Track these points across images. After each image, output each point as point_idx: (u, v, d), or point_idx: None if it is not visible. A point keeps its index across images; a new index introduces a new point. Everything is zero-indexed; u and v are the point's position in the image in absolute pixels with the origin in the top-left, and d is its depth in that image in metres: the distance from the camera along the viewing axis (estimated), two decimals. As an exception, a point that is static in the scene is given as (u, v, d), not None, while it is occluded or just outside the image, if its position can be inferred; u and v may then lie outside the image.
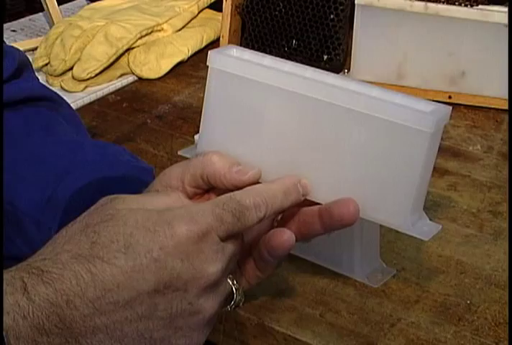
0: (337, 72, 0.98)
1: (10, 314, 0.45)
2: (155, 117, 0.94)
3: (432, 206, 0.79)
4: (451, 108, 0.56)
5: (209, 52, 0.58)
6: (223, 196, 0.52)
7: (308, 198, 0.58)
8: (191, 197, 0.58)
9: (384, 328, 0.65)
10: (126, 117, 0.94)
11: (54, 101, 0.75)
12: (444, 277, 0.70)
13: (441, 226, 0.59)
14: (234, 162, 0.58)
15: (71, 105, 0.93)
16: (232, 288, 0.54)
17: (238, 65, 0.57)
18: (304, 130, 0.57)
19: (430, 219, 0.60)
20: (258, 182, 0.59)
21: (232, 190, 0.59)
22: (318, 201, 0.58)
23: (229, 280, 0.53)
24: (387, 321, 0.66)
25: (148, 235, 0.48)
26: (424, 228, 0.58)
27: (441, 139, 0.87)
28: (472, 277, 0.70)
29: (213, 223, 0.50)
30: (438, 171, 0.84)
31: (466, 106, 0.95)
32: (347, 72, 0.97)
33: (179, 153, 0.64)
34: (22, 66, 0.74)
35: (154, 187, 0.59)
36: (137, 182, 0.63)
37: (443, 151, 0.88)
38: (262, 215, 0.53)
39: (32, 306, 0.46)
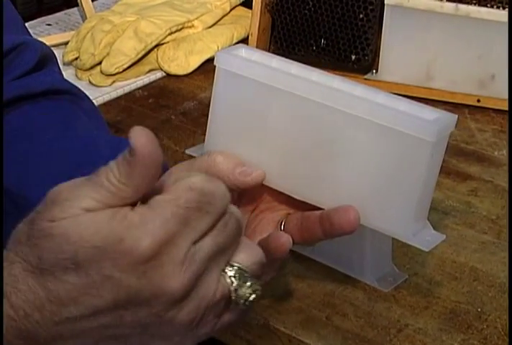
0: (365, 73, 0.97)
1: None
2: (180, 113, 0.94)
3: (451, 211, 0.78)
4: (456, 116, 0.54)
5: (216, 52, 0.58)
6: (180, 187, 0.45)
7: (311, 202, 0.58)
8: None
9: (390, 334, 0.64)
10: (151, 113, 0.94)
11: (75, 95, 0.75)
12: (456, 284, 0.69)
13: (444, 236, 0.58)
14: (239, 163, 0.58)
15: (98, 99, 0.95)
16: (232, 287, 0.47)
17: (244, 66, 0.57)
18: (307, 134, 0.56)
19: (434, 228, 0.59)
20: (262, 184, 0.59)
21: (235, 191, 0.59)
22: (320, 206, 0.57)
23: (226, 277, 0.47)
24: (395, 326, 0.65)
25: (97, 252, 0.43)
26: (427, 238, 0.57)
27: (466, 143, 0.88)
28: (486, 285, 0.69)
29: (176, 227, 0.44)
30: (460, 176, 0.83)
31: (494, 110, 0.94)
32: (375, 72, 0.96)
33: (186, 152, 0.64)
34: (45, 59, 0.75)
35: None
36: (150, 179, 0.63)
37: (467, 155, 0.86)
38: (230, 198, 0.47)
39: None
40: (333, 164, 0.57)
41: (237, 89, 0.58)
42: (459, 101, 0.94)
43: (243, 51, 0.59)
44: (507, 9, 0.88)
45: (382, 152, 0.55)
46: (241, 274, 0.47)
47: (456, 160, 0.85)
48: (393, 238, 0.68)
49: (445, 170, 0.84)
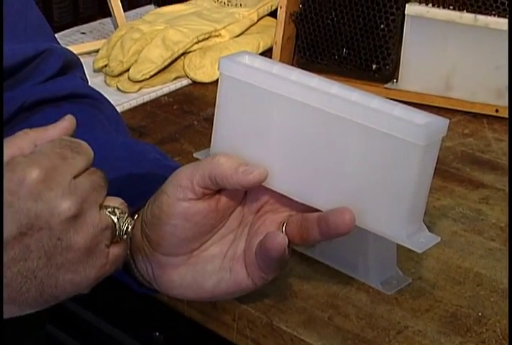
0: (386, 82, 0.98)
1: None
2: (203, 119, 0.97)
3: (460, 218, 0.79)
4: (448, 121, 0.56)
5: (220, 58, 0.60)
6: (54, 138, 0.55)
7: (309, 204, 0.60)
8: (200, 197, 0.60)
9: (390, 335, 0.66)
10: (174, 118, 0.97)
11: (96, 99, 0.78)
12: (459, 289, 0.70)
13: (439, 238, 0.59)
14: (241, 163, 0.60)
15: (125, 105, 0.98)
16: (113, 219, 0.54)
17: (246, 72, 0.59)
18: (306, 138, 0.58)
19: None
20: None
21: (239, 190, 0.62)
22: (318, 208, 0.59)
23: (105, 212, 0.54)
24: (394, 328, 0.66)
25: None
26: (421, 240, 0.58)
27: (482, 152, 0.89)
28: (488, 290, 0.70)
29: (57, 161, 0.52)
30: (473, 184, 0.84)
31: (513, 120, 0.95)
32: (396, 82, 0.97)
33: (194, 155, 0.66)
34: (69, 65, 0.78)
35: (166, 186, 0.61)
36: (161, 180, 0.66)
37: (481, 164, 0.87)
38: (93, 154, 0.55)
39: None
40: (330, 167, 0.58)
41: (240, 94, 0.61)
42: (478, 111, 0.95)
43: (246, 57, 0.61)
44: (526, 20, 0.89)
45: (376, 155, 0.56)
46: (116, 211, 0.55)
47: (470, 169, 0.86)
48: (398, 244, 0.69)
49: (458, 178, 0.85)
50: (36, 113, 0.74)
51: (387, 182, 0.56)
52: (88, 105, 0.77)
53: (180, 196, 0.60)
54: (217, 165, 0.60)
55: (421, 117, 0.56)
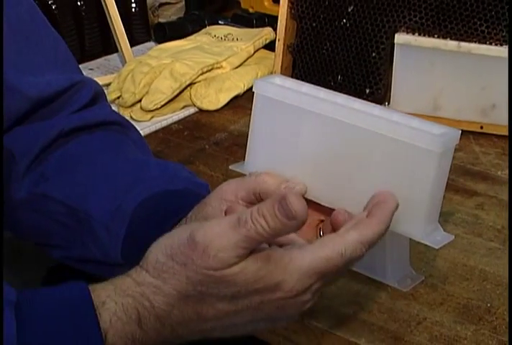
0: (379, 105, 1.07)
1: (127, 342, 0.58)
2: (213, 143, 1.04)
3: (460, 223, 0.87)
4: (460, 131, 0.63)
5: (254, 80, 0.68)
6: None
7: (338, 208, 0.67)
8: None
9: (411, 325, 0.73)
10: (187, 143, 1.04)
11: (123, 126, 0.84)
12: (467, 284, 0.78)
13: (453, 237, 0.66)
14: (283, 180, 0.67)
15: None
16: None
17: (278, 91, 0.67)
18: (334, 149, 0.65)
19: (445, 230, 0.68)
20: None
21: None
22: None
23: None
24: (414, 320, 0.74)
25: (254, 292, 0.57)
26: (437, 238, 0.65)
27: (472, 164, 0.98)
28: (494, 284, 0.78)
29: (313, 279, 0.61)
30: (467, 192, 0.92)
31: (497, 136, 1.03)
32: (388, 104, 1.06)
33: (230, 167, 0.73)
34: (97, 95, 0.85)
35: (209, 199, 0.68)
36: (194, 196, 0.72)
37: (473, 175, 0.96)
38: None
39: (144, 336, 0.58)
40: (356, 174, 0.66)
41: (273, 112, 0.68)
42: (464, 128, 1.02)
43: (277, 79, 0.69)
44: (504, 46, 0.98)
45: (397, 162, 0.63)
46: None
47: (464, 179, 0.95)
48: (410, 247, 0.77)
49: (454, 188, 0.93)
50: (72, 139, 0.80)
51: (408, 186, 0.63)
52: (116, 131, 0.83)
53: (224, 208, 0.66)
54: (262, 183, 0.66)
55: (437, 128, 0.64)
